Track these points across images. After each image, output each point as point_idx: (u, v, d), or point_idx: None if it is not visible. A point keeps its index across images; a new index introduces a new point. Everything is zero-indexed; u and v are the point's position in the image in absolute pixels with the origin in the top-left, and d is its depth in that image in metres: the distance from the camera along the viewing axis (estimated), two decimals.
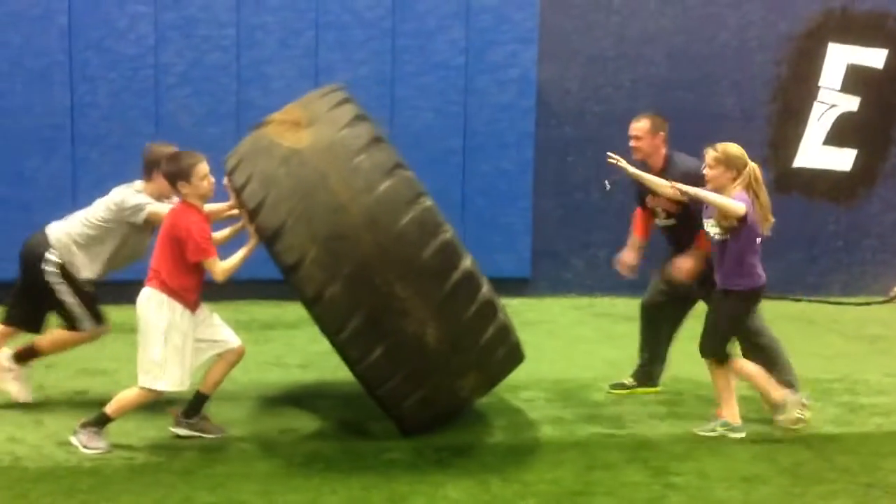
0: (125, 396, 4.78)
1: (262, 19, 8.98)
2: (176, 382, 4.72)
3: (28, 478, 4.34)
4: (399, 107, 9.12)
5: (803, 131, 10.24)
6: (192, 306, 4.81)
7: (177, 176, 4.78)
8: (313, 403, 5.75)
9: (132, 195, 5.32)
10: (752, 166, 5.03)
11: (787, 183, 10.28)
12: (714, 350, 5.16)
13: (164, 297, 4.70)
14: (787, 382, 5.48)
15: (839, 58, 10.21)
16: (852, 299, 10.13)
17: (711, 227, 5.08)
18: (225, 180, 4.96)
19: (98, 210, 5.40)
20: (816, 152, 10.32)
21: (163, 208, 5.17)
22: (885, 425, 5.55)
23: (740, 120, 10.04)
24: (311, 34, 9.07)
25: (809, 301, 10.00)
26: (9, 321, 5.58)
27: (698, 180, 5.23)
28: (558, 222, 9.77)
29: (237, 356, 5.02)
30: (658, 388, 6.10)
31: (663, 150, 5.77)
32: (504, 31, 9.36)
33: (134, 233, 5.39)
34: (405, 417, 4.91)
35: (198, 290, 4.85)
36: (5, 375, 5.46)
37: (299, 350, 7.16)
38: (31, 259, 5.36)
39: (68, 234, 5.38)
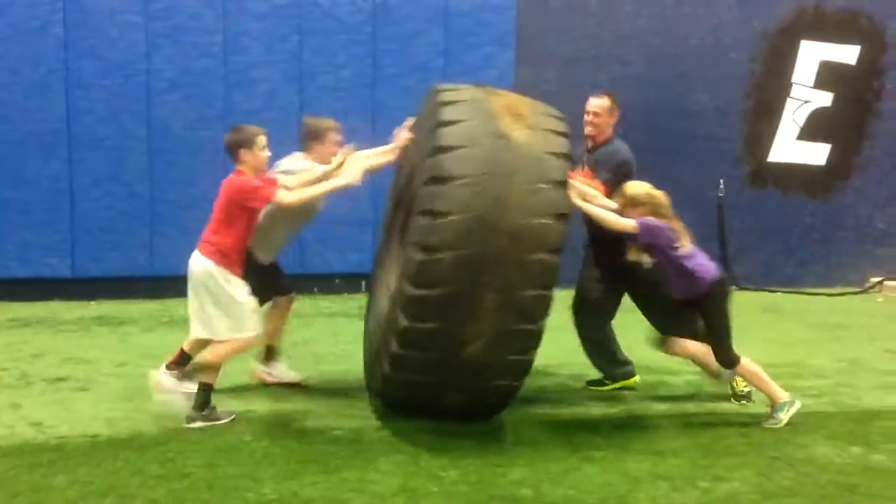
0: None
1: (247, 26, 9.42)
2: None
3: None
4: (380, 108, 9.49)
5: (777, 127, 10.54)
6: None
7: (240, 144, 5.28)
8: (273, 388, 6.14)
9: (294, 158, 5.84)
10: (656, 196, 5.35)
11: (763, 177, 10.59)
12: (728, 358, 5.42)
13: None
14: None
15: (812, 54, 10.48)
16: (828, 290, 10.40)
17: (638, 256, 5.42)
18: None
19: None
20: (791, 147, 10.60)
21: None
22: (813, 406, 5.83)
23: (715, 117, 10.36)
24: (296, 39, 9.50)
25: (785, 293, 10.28)
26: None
27: (621, 164, 5.75)
28: None
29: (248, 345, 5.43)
30: (637, 379, 6.22)
31: (611, 131, 6.00)
32: (481, 33, 9.75)
33: None
34: (384, 382, 5.20)
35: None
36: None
37: None
38: None
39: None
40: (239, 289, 5.25)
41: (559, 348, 7.21)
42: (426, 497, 4.24)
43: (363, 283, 8.94)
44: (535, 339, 4.97)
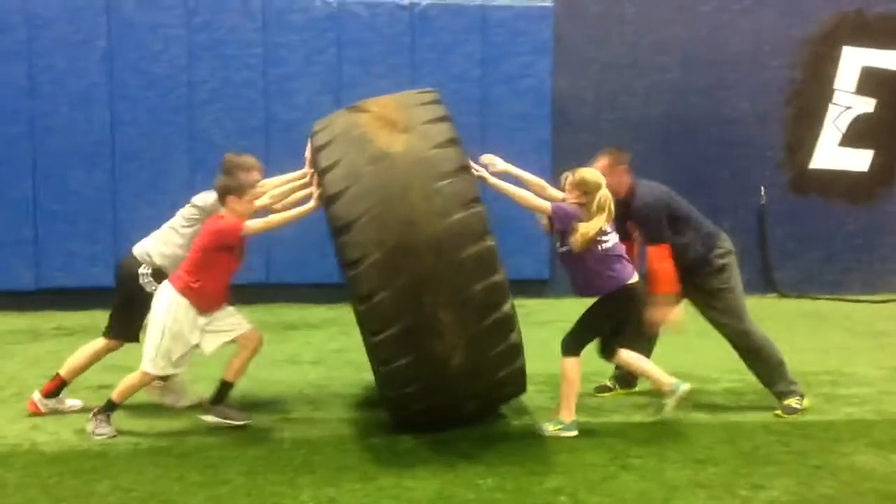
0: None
1: (286, 38, 9.52)
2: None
3: (42, 460, 4.84)
4: None
5: (819, 133, 10.43)
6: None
7: (230, 191, 5.26)
8: (314, 395, 6.20)
9: (212, 195, 5.62)
10: (604, 194, 5.21)
11: (804, 184, 10.49)
12: (571, 348, 5.42)
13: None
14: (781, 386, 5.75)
15: (854, 60, 10.36)
16: (871, 297, 10.27)
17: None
18: (308, 148, 5.34)
19: (181, 216, 5.78)
20: (833, 154, 10.49)
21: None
22: (855, 414, 5.77)
23: (755, 124, 10.27)
24: (333, 51, 9.58)
25: (827, 300, 10.17)
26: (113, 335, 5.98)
27: (649, 212, 5.63)
28: None
29: (253, 342, 5.44)
30: (636, 389, 6.29)
31: (627, 181, 5.83)
32: (519, 42, 9.76)
33: None
34: (404, 418, 5.24)
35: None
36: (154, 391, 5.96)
37: (315, 348, 7.65)
38: (128, 277, 5.78)
39: (164, 244, 5.76)
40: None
41: (596, 356, 7.21)
42: None
43: None
44: (508, 322, 4.89)
